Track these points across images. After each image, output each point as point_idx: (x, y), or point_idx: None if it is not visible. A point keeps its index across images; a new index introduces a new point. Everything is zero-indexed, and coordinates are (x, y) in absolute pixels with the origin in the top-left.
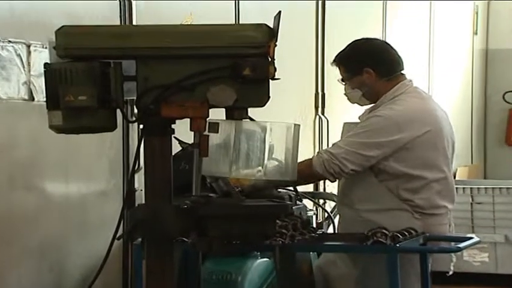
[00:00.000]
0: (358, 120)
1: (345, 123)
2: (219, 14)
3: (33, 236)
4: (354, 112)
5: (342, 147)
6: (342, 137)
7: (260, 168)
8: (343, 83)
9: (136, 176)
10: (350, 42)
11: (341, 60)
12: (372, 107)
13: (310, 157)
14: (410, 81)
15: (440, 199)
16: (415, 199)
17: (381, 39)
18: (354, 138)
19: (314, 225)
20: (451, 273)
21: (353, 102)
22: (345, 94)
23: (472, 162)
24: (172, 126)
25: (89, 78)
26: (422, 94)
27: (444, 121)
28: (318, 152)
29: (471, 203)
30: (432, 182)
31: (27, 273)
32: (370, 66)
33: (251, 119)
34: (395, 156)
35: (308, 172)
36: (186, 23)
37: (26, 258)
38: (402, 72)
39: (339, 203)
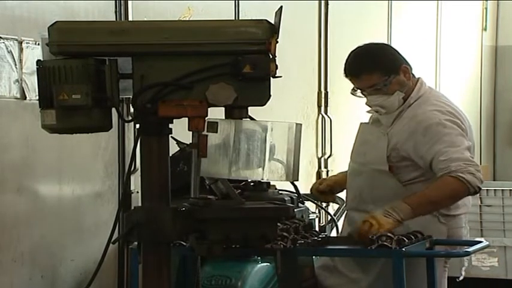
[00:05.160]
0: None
1: (361, 123)
2: (220, 11)
3: (25, 240)
4: (358, 111)
5: (470, 158)
6: (357, 137)
7: (260, 168)
8: (377, 92)
9: (132, 177)
10: (352, 51)
11: (371, 66)
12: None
13: (444, 177)
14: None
15: None
16: None
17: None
18: (462, 149)
19: (317, 229)
20: (461, 278)
21: (384, 113)
22: (373, 105)
23: (480, 163)
24: (170, 125)
25: (84, 76)
26: (436, 91)
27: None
28: (457, 171)
29: (480, 206)
30: None
31: (19, 280)
32: (403, 62)
33: (251, 118)
34: None
35: (463, 192)
36: (184, 18)
37: (17, 264)
38: None
39: (351, 208)
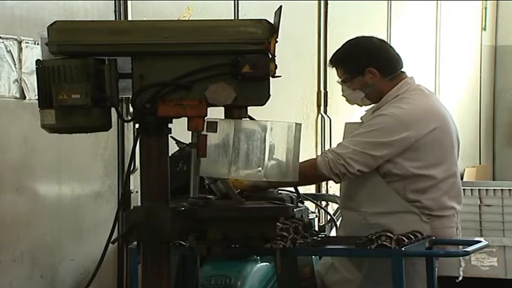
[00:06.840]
0: (360, 121)
1: (346, 123)
2: (219, 11)
3: (24, 240)
4: (358, 110)
5: (348, 146)
6: (344, 138)
7: (260, 168)
8: (343, 84)
9: (131, 177)
10: (345, 42)
11: (339, 61)
12: (374, 106)
13: (314, 157)
14: (412, 78)
15: (448, 199)
16: (423, 200)
17: (377, 37)
18: (360, 137)
19: (316, 228)
20: (460, 278)
21: (353, 104)
22: (343, 95)
23: (480, 163)
24: (169, 125)
25: (83, 75)
26: (425, 91)
27: (449, 118)
28: (322, 152)
29: (479, 205)
30: (440, 182)
31: (18, 279)
32: (372, 65)
33: (251, 118)
34: (403, 157)
35: (312, 173)
36: (184, 18)
37: (17, 263)
38: (402, 70)
39: (341, 207)
